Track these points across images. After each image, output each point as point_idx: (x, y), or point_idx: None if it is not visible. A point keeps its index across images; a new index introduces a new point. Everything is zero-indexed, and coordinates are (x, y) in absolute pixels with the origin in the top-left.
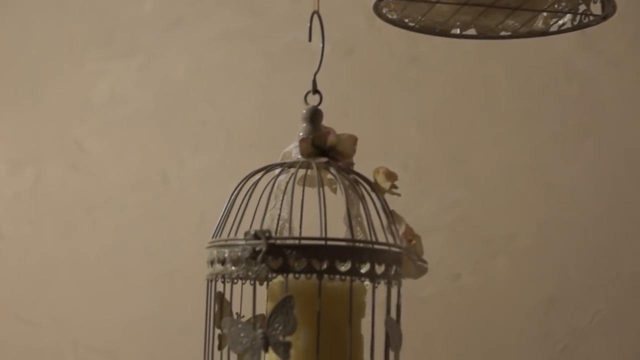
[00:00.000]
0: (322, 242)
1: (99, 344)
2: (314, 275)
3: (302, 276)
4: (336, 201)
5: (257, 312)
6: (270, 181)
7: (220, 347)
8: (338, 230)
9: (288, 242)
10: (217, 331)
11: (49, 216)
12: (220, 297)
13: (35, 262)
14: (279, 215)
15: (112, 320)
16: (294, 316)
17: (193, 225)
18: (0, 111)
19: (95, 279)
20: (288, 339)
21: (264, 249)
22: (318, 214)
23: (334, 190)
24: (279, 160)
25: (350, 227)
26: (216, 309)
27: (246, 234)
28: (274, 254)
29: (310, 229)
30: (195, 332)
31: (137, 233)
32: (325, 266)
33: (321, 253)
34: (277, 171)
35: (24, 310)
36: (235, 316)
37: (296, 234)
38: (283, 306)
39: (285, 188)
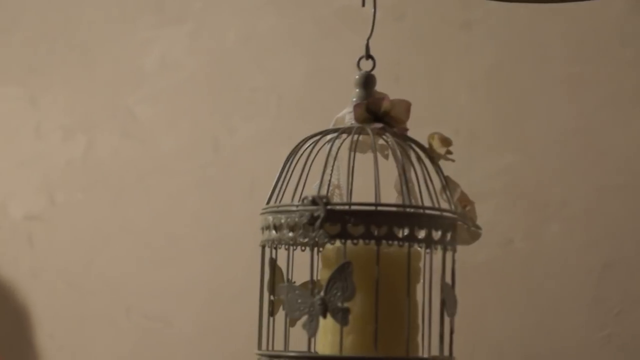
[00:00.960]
0: (381, 209)
1: (153, 311)
2: (371, 241)
3: (359, 242)
4: (386, 167)
5: (309, 279)
6: (323, 146)
7: (272, 314)
8: (388, 196)
9: (345, 208)
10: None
11: (101, 183)
12: (273, 263)
13: (88, 229)
14: (330, 181)
15: (165, 287)
16: (353, 282)
17: (244, 192)
18: (53, 78)
19: (147, 246)
20: (346, 304)
21: (322, 214)
22: (366, 180)
23: (386, 156)
24: (331, 126)
25: (407, 192)
26: (269, 275)
27: (303, 199)
28: (332, 220)
29: (360, 195)
30: (248, 299)
31: (188, 200)
32: (383, 232)
33: (379, 219)
34: (329, 137)
35: (77, 277)
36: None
37: (348, 200)
38: (341, 272)
39: (336, 154)
